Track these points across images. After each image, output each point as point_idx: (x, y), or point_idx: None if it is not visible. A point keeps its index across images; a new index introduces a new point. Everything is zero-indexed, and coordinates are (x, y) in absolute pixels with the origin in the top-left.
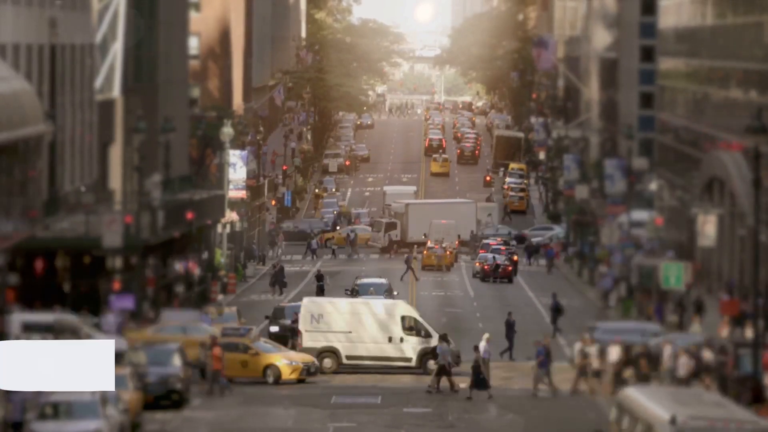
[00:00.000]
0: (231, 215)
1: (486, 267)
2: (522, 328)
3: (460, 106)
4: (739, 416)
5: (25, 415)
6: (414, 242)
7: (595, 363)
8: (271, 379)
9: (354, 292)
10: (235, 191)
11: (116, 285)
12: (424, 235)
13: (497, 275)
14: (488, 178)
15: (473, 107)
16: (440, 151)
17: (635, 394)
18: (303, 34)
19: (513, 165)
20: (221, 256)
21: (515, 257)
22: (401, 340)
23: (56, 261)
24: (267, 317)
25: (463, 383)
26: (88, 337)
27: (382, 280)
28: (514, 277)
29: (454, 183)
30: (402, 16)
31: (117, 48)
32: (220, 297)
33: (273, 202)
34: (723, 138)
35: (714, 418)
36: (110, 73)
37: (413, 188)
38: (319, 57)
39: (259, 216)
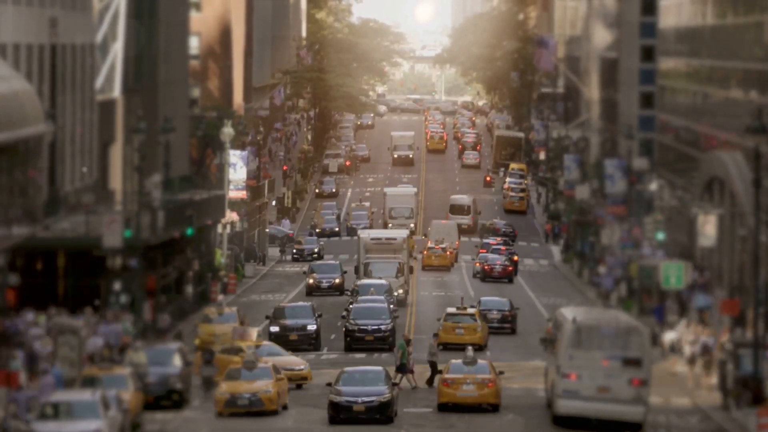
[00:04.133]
0: (231, 215)
1: (486, 267)
2: (523, 329)
3: (460, 104)
4: (625, 320)
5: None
6: None
7: None
8: None
9: (354, 293)
10: (236, 191)
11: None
12: (424, 235)
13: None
14: (488, 179)
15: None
16: (441, 136)
17: (563, 310)
18: (303, 33)
19: (513, 165)
20: (221, 257)
21: (515, 257)
22: None
23: (56, 261)
24: (267, 317)
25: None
26: (88, 337)
27: (382, 281)
28: (514, 276)
29: (454, 183)
30: (402, 15)
31: (117, 48)
32: (221, 297)
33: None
34: (722, 138)
35: (602, 320)
36: (110, 73)
37: (414, 189)
38: (319, 57)
39: (259, 216)
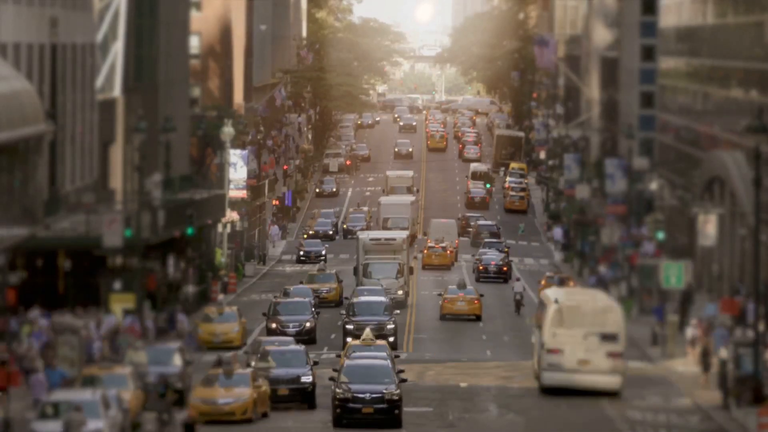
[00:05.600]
0: (231, 215)
1: (481, 267)
2: (523, 328)
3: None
4: (603, 300)
5: None
6: None
7: None
8: None
9: (349, 310)
10: (236, 191)
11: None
12: (425, 234)
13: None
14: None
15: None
16: (442, 135)
17: (547, 292)
18: (304, 33)
19: (513, 164)
20: (222, 256)
21: (507, 248)
22: None
23: (57, 260)
24: (246, 352)
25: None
26: (88, 337)
27: (382, 298)
28: (511, 272)
29: (455, 182)
30: (402, 15)
31: (118, 47)
32: (221, 297)
33: (275, 202)
34: (722, 137)
35: (582, 300)
36: (111, 73)
37: (410, 198)
38: (319, 56)
39: (259, 215)
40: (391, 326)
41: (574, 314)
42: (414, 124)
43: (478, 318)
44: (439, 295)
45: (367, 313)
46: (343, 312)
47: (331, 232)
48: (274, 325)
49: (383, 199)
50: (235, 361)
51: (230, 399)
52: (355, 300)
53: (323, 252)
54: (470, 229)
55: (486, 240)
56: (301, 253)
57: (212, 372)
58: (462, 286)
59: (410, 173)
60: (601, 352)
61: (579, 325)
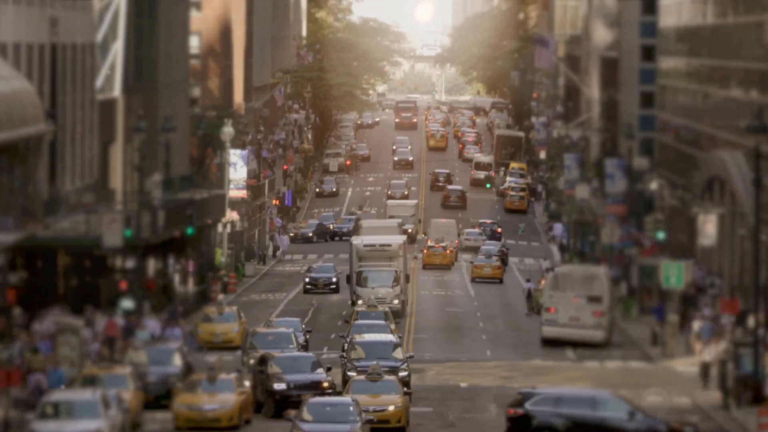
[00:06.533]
0: (231, 215)
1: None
2: (522, 328)
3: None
4: (591, 269)
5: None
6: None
7: None
8: None
9: (351, 353)
10: (236, 191)
11: (123, 284)
12: (425, 233)
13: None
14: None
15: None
16: (442, 134)
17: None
18: (304, 33)
19: (513, 164)
20: (222, 256)
21: (500, 228)
22: None
23: (57, 260)
24: (238, 371)
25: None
26: (88, 337)
27: (390, 337)
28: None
29: (454, 183)
30: (402, 15)
31: (118, 47)
32: (221, 297)
33: (275, 202)
34: (722, 137)
35: (574, 270)
36: (111, 73)
37: (396, 221)
38: (319, 56)
39: (259, 215)
40: (403, 374)
41: (567, 280)
42: (411, 159)
43: (501, 281)
44: (471, 263)
45: (373, 356)
46: (344, 354)
47: (310, 234)
48: (252, 362)
49: (364, 222)
50: (218, 366)
51: (216, 405)
52: (357, 339)
53: (334, 279)
54: (439, 183)
55: (480, 221)
56: (307, 280)
57: (195, 377)
58: (488, 256)
59: (413, 202)
60: (588, 311)
61: (570, 289)
